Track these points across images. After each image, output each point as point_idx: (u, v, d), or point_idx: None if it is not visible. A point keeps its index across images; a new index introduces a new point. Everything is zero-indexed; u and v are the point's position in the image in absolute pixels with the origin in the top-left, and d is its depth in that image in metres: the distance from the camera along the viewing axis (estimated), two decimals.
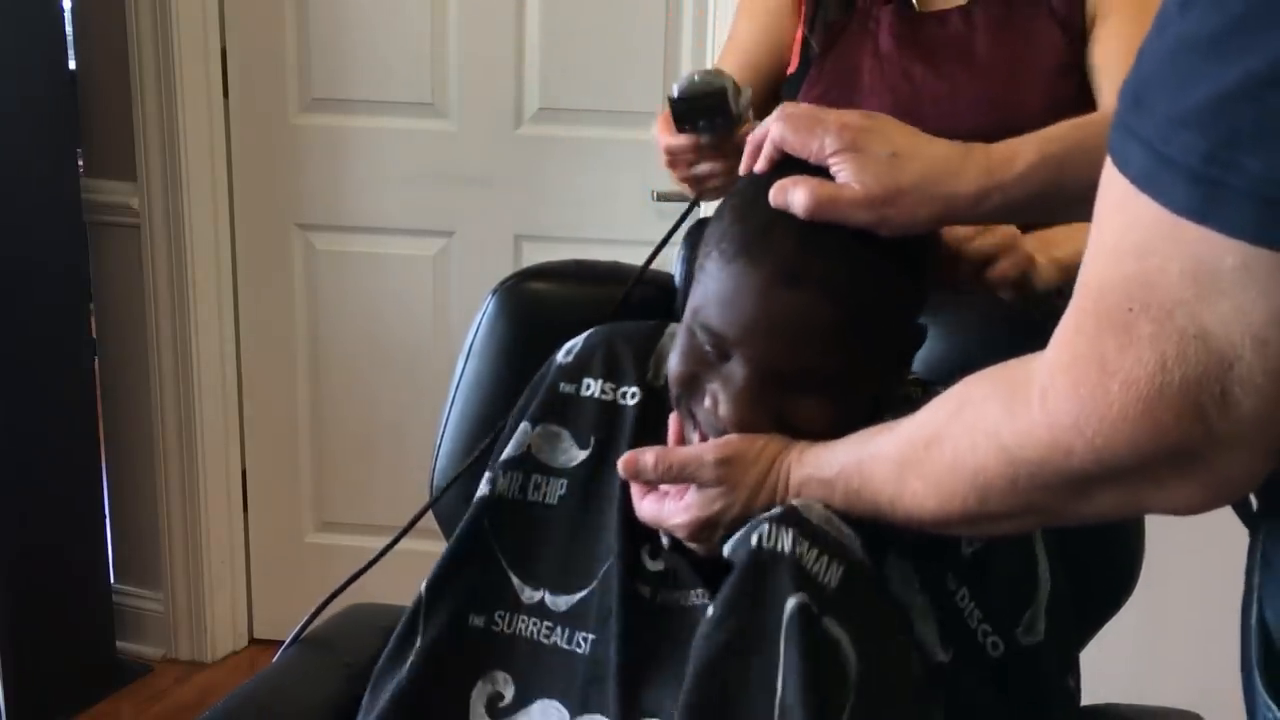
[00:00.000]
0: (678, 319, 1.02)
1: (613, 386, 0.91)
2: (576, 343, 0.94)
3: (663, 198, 2.07)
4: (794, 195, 0.75)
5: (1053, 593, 0.83)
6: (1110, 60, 1.14)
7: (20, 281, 2.03)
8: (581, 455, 0.90)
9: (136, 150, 2.16)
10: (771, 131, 0.80)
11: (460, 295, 2.21)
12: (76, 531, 2.22)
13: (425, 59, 2.15)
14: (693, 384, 0.81)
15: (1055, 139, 0.79)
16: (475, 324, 1.05)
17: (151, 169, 2.16)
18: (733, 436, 0.78)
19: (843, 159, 0.76)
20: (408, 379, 2.27)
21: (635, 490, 0.82)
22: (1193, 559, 1.67)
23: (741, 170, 0.84)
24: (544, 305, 1.06)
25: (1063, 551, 0.90)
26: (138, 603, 2.38)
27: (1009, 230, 0.90)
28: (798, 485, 0.76)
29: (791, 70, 1.24)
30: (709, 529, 0.78)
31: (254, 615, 2.44)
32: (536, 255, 2.06)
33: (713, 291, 0.78)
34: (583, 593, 0.87)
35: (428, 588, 0.90)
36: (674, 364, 0.82)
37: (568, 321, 1.03)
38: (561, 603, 0.87)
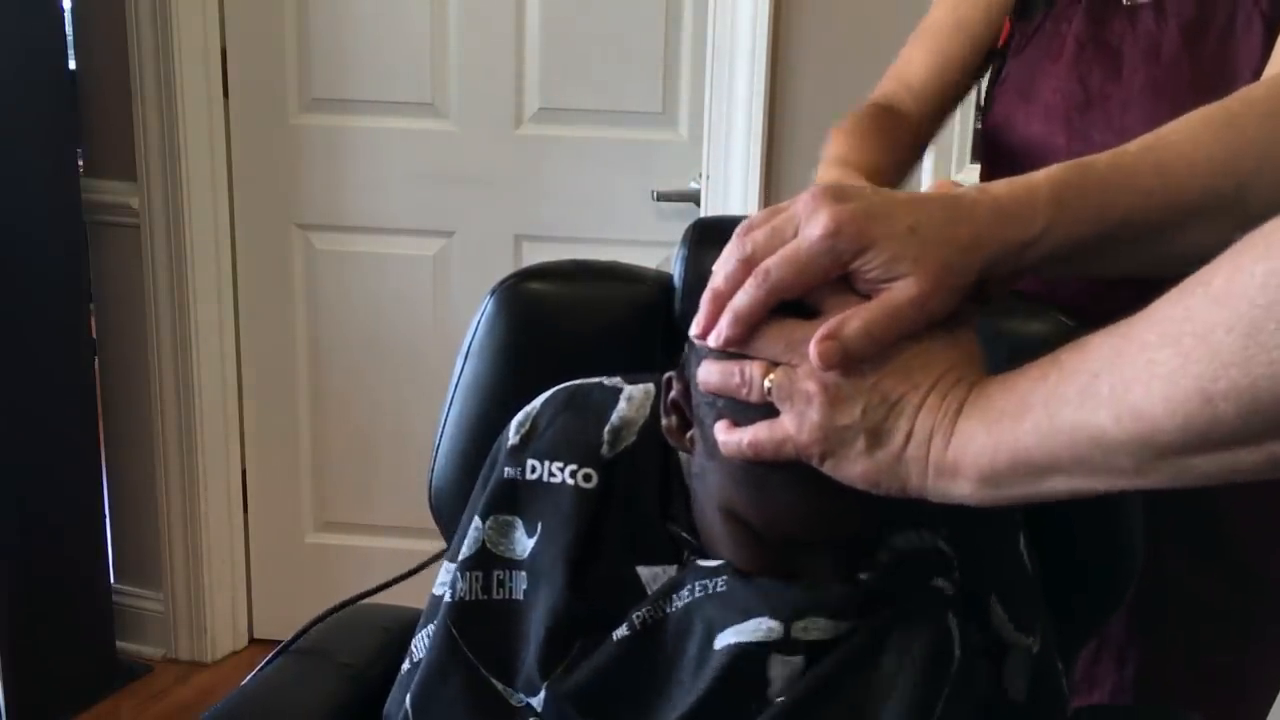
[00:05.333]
0: (679, 321, 1.02)
1: (560, 466, 0.82)
2: (524, 419, 0.86)
3: (662, 197, 2.07)
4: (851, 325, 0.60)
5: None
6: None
7: (20, 281, 2.02)
8: (531, 543, 0.82)
9: (136, 150, 2.16)
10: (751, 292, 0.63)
11: (460, 295, 2.21)
12: (76, 531, 2.22)
13: (425, 59, 2.15)
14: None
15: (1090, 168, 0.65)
16: (474, 324, 1.05)
17: (151, 169, 2.16)
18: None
19: (873, 255, 0.61)
20: (408, 379, 2.27)
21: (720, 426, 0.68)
22: None
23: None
24: (543, 305, 1.05)
25: (1063, 550, 0.90)
26: (138, 603, 2.38)
27: None
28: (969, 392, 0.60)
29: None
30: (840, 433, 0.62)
31: (254, 615, 2.44)
32: (536, 255, 2.07)
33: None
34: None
35: (413, 705, 0.82)
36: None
37: (567, 321, 1.03)
38: (538, 703, 0.80)
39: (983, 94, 1.20)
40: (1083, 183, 0.64)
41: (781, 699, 0.72)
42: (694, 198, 2.03)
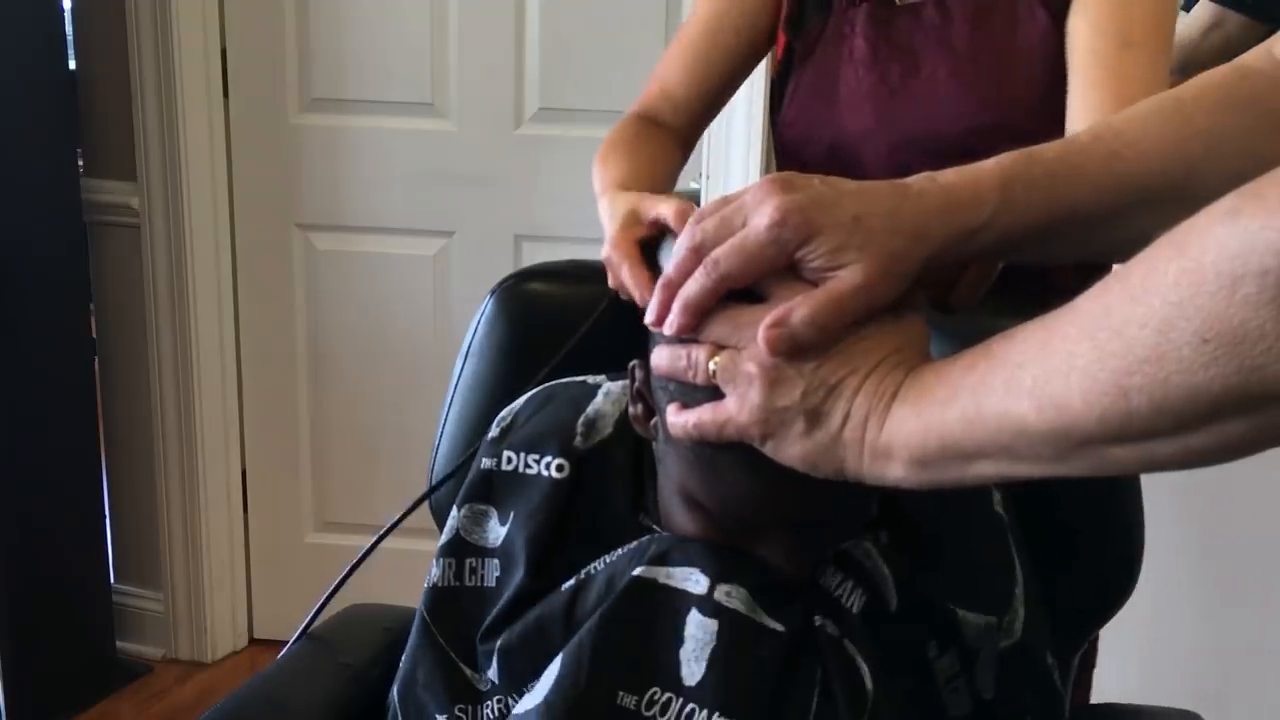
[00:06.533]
0: None
1: (535, 458, 0.83)
2: (505, 415, 0.89)
3: None
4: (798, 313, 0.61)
5: (1027, 590, 0.82)
6: (1084, 30, 1.00)
7: (20, 281, 2.02)
8: (503, 531, 0.83)
9: (136, 150, 2.16)
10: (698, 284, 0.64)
11: (460, 295, 2.21)
12: (76, 531, 2.22)
13: (425, 59, 2.15)
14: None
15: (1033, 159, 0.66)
16: (474, 324, 1.05)
17: (151, 169, 2.16)
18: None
19: (817, 246, 0.62)
20: (408, 379, 2.27)
21: (671, 409, 0.69)
22: (1193, 560, 1.67)
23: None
24: (542, 305, 1.06)
25: (1062, 551, 0.90)
26: (138, 603, 2.38)
27: None
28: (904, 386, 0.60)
29: (777, 64, 1.18)
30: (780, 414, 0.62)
31: (254, 615, 2.45)
32: (536, 255, 2.07)
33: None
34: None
35: (398, 693, 0.85)
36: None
37: (566, 321, 1.03)
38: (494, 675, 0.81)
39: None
40: (1029, 174, 0.65)
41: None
42: (694, 198, 2.03)
